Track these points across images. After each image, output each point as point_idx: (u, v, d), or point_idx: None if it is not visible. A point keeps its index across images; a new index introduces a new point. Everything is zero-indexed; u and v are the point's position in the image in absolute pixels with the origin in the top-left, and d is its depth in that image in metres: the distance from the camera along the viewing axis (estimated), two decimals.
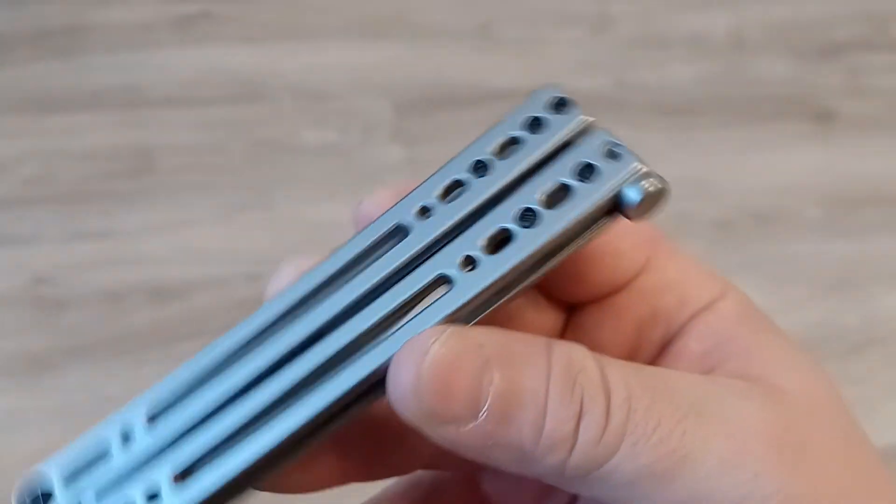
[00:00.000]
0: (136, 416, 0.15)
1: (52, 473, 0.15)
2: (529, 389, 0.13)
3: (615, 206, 0.14)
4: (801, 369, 0.15)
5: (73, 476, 0.15)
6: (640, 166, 0.13)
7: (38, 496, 0.15)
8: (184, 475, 0.14)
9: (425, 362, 0.13)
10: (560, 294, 0.17)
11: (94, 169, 0.54)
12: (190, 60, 0.60)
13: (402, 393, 0.13)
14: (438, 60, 0.62)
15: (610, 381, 0.13)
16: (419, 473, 0.19)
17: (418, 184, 0.14)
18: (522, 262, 0.13)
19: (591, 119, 0.14)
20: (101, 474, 0.15)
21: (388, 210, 0.14)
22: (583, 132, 0.14)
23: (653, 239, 0.17)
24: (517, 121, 0.14)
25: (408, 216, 0.14)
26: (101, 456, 0.15)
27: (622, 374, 0.14)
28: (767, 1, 0.70)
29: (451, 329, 0.13)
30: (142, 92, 0.58)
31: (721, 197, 0.56)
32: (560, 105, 0.14)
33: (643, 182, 0.13)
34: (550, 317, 0.17)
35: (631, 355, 0.17)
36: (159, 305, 0.49)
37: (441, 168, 0.14)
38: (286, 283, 0.15)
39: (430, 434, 0.13)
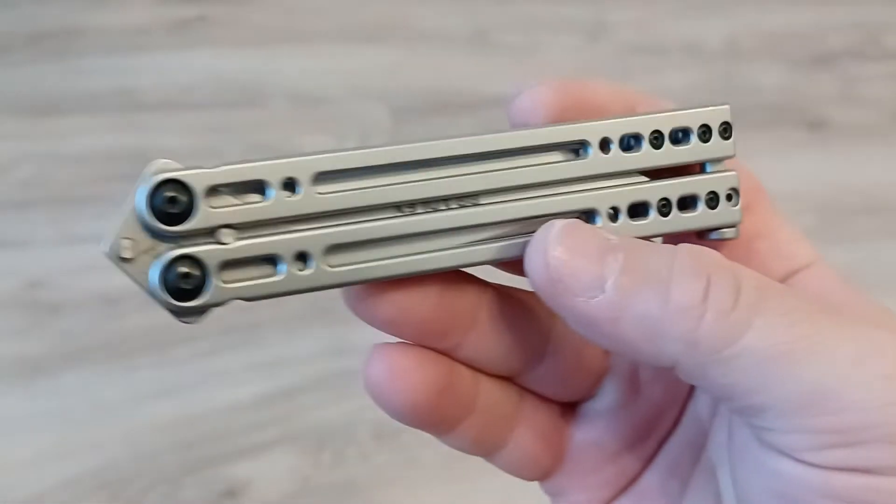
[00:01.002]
0: (304, 170, 0.14)
1: (197, 178, 0.14)
2: (653, 266, 0.14)
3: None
4: None
5: (217, 193, 0.14)
6: (738, 220, 0.17)
7: (174, 194, 0.13)
8: (333, 251, 0.14)
9: (557, 233, 0.15)
10: None
11: (89, 172, 0.54)
12: (186, 64, 0.60)
13: (536, 265, 0.15)
14: (435, 66, 0.62)
15: (740, 272, 0.14)
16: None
17: (609, 116, 0.17)
18: (645, 235, 0.17)
19: (734, 155, 0.17)
20: (250, 210, 0.14)
21: (583, 122, 0.17)
22: (724, 161, 0.17)
23: (756, 190, 0.18)
24: (696, 120, 0.17)
25: (593, 140, 0.16)
26: (255, 190, 0.14)
27: (752, 271, 0.15)
28: (762, 10, 0.70)
29: (576, 220, 0.15)
30: (137, 95, 0.57)
31: None
32: (725, 130, 0.17)
33: (727, 230, 0.17)
34: None
35: None
36: (154, 310, 0.48)
37: (633, 117, 0.17)
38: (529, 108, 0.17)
39: (564, 310, 0.15)
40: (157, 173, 0.14)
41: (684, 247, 0.15)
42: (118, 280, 0.55)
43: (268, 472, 0.44)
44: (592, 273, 0.14)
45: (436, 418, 0.16)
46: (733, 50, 0.67)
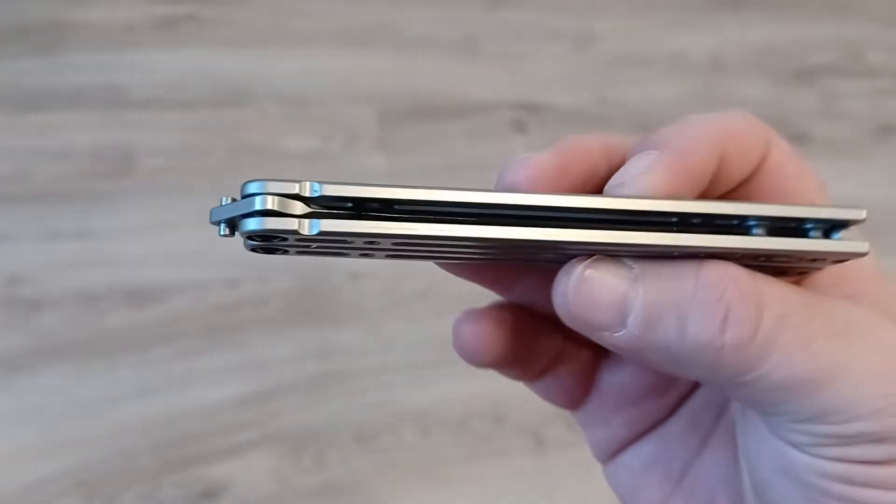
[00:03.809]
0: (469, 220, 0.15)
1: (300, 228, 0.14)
2: (672, 300, 0.15)
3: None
4: None
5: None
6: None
7: (276, 236, 0.14)
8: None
9: (571, 281, 0.15)
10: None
11: (73, 168, 0.53)
12: (174, 62, 0.59)
13: (558, 306, 0.16)
14: (423, 71, 0.63)
15: (765, 296, 0.15)
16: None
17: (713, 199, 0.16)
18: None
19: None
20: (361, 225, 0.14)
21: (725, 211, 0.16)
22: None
23: (767, 138, 0.18)
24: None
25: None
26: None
27: (781, 292, 0.15)
28: (746, 24, 0.71)
29: (600, 257, 0.16)
30: (124, 92, 0.57)
31: None
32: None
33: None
34: None
35: None
36: (136, 308, 0.48)
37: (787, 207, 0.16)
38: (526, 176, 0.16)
39: (590, 336, 0.16)
40: (265, 216, 0.14)
41: (708, 271, 0.15)
42: (100, 278, 0.54)
43: (247, 474, 0.44)
44: (612, 314, 0.15)
45: (508, 362, 0.19)
46: (717, 63, 0.68)
